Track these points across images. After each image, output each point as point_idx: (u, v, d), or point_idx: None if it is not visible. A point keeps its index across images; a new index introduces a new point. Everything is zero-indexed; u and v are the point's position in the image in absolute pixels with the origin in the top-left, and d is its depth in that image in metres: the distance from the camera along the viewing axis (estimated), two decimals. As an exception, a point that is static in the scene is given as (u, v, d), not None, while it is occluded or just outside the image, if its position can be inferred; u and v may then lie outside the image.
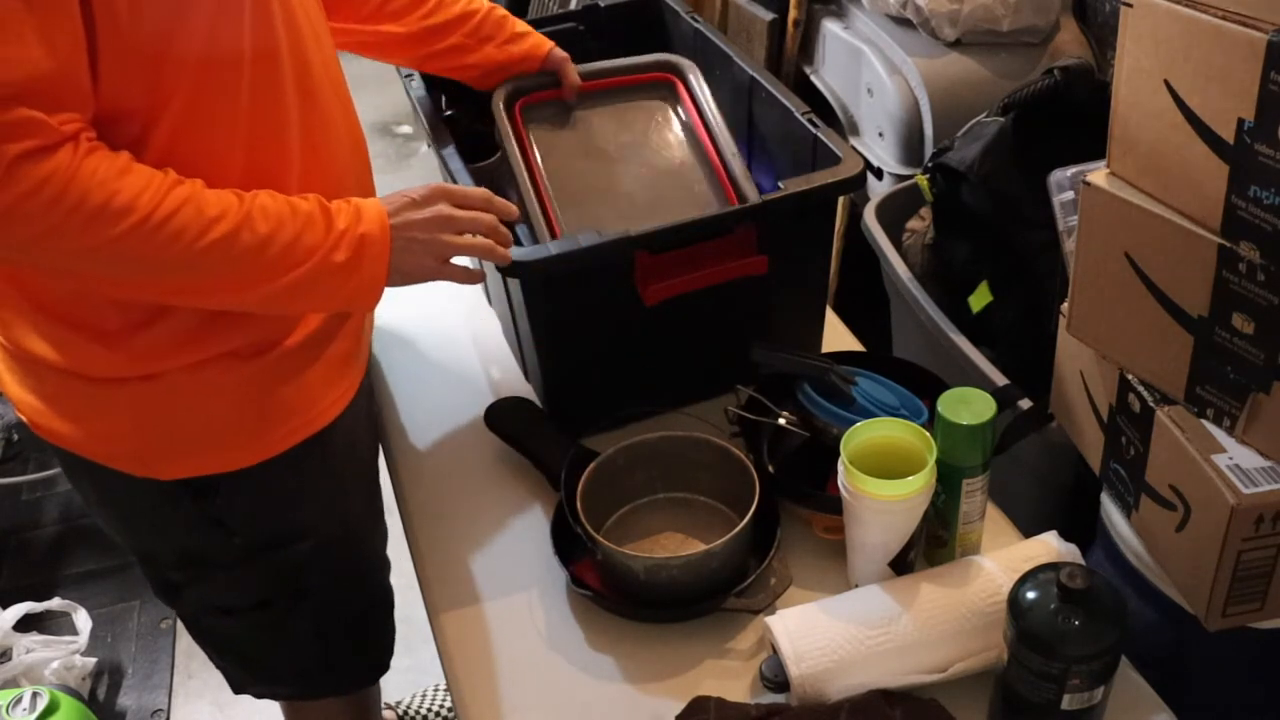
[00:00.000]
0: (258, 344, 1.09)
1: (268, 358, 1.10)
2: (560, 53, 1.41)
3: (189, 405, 1.08)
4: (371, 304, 1.06)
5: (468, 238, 1.09)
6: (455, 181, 1.27)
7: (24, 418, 1.12)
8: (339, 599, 1.32)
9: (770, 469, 1.22)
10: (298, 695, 1.47)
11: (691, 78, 1.42)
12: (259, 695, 1.48)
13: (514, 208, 1.15)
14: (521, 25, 1.42)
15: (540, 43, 1.40)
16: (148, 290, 0.98)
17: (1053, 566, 0.93)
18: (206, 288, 0.98)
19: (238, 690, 1.45)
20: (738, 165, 1.33)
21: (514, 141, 1.34)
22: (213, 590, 1.26)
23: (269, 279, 0.98)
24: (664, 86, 1.44)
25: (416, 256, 1.06)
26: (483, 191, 1.13)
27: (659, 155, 1.39)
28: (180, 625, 2.23)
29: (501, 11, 1.40)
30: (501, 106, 1.37)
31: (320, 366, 1.15)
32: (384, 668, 1.47)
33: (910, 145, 1.98)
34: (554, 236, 1.26)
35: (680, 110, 1.42)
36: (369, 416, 1.36)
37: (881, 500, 1.02)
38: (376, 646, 1.44)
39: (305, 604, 1.28)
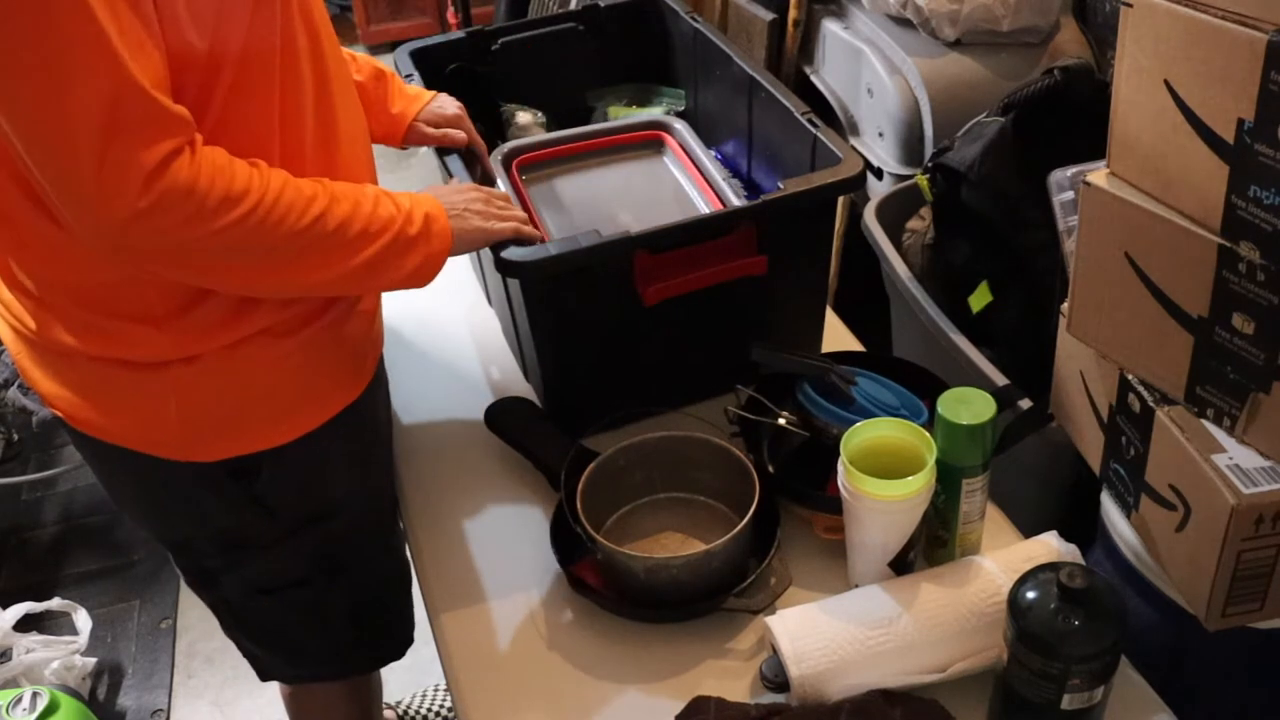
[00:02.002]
0: (288, 322, 1.12)
1: (299, 335, 1.13)
2: (422, 129, 1.37)
3: (229, 385, 1.11)
4: (432, 275, 1.12)
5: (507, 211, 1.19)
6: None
7: (58, 412, 1.13)
8: (369, 573, 1.36)
9: (770, 469, 1.22)
10: (329, 674, 1.48)
11: (679, 127, 1.47)
12: (288, 680, 1.50)
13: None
14: (398, 96, 1.38)
15: (400, 118, 1.37)
16: (250, 276, 1.02)
17: (1053, 566, 0.93)
18: (301, 267, 1.03)
19: (265, 677, 1.46)
20: (731, 188, 1.34)
21: (515, 200, 1.36)
22: (252, 572, 1.28)
23: (351, 255, 1.04)
24: (652, 144, 1.49)
25: (472, 221, 1.14)
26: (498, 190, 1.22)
27: (653, 191, 1.42)
28: (180, 625, 2.24)
29: (383, 87, 1.36)
30: (500, 163, 1.41)
31: (346, 342, 1.18)
32: (409, 641, 1.49)
33: (910, 145, 1.98)
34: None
35: (669, 157, 1.46)
36: (385, 391, 1.39)
37: (881, 500, 1.02)
38: (401, 620, 1.47)
39: (340, 579, 1.31)
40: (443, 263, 1.12)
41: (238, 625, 1.38)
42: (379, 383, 1.28)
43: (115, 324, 1.06)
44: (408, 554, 1.43)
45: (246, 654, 1.43)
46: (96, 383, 1.10)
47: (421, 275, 1.11)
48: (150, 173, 0.89)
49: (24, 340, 1.11)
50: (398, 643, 1.48)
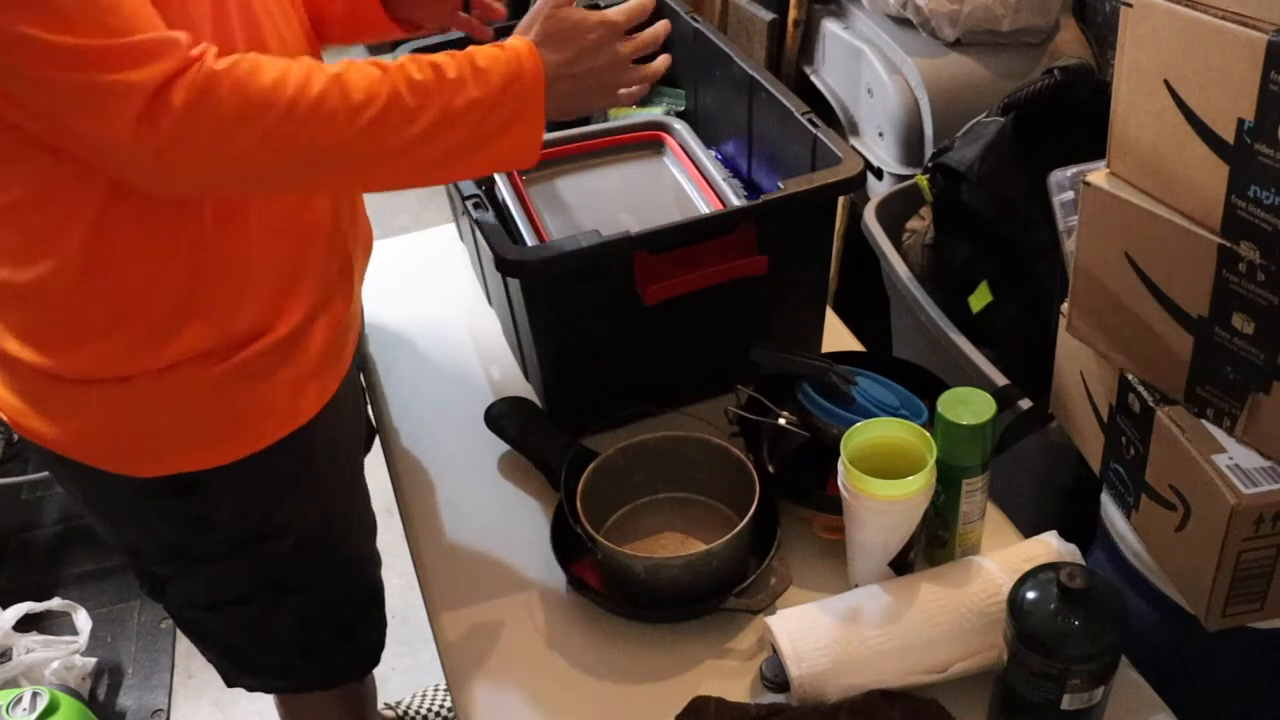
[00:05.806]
0: (229, 344, 1.09)
1: (240, 358, 1.09)
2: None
3: (162, 406, 1.09)
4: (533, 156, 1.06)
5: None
6: (457, 185, 1.28)
7: (5, 418, 1.13)
8: (322, 594, 1.32)
9: (770, 469, 1.22)
10: (285, 688, 1.47)
11: (679, 127, 1.47)
12: (250, 688, 1.48)
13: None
14: None
15: None
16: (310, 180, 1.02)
17: (1053, 566, 0.93)
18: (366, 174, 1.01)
19: (229, 683, 1.45)
20: (731, 188, 1.34)
21: (515, 200, 1.36)
22: (196, 585, 1.26)
23: (422, 148, 0.99)
24: (652, 144, 1.48)
25: (581, 97, 1.10)
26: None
27: (653, 192, 1.42)
28: (180, 625, 2.24)
29: None
30: None
31: (296, 366, 1.14)
32: (374, 661, 1.46)
33: (910, 145, 1.98)
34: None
35: (669, 157, 1.46)
36: (355, 411, 1.36)
37: (881, 500, 1.02)
38: (364, 640, 1.44)
39: (287, 599, 1.29)
40: (538, 142, 1.05)
41: (190, 634, 1.37)
42: (339, 405, 1.23)
43: (51, 335, 1.05)
44: (378, 573, 1.42)
45: (208, 659, 1.42)
46: (36, 392, 1.09)
47: (519, 157, 1.06)
48: (141, 109, 0.86)
49: None
50: (359, 664, 1.46)
